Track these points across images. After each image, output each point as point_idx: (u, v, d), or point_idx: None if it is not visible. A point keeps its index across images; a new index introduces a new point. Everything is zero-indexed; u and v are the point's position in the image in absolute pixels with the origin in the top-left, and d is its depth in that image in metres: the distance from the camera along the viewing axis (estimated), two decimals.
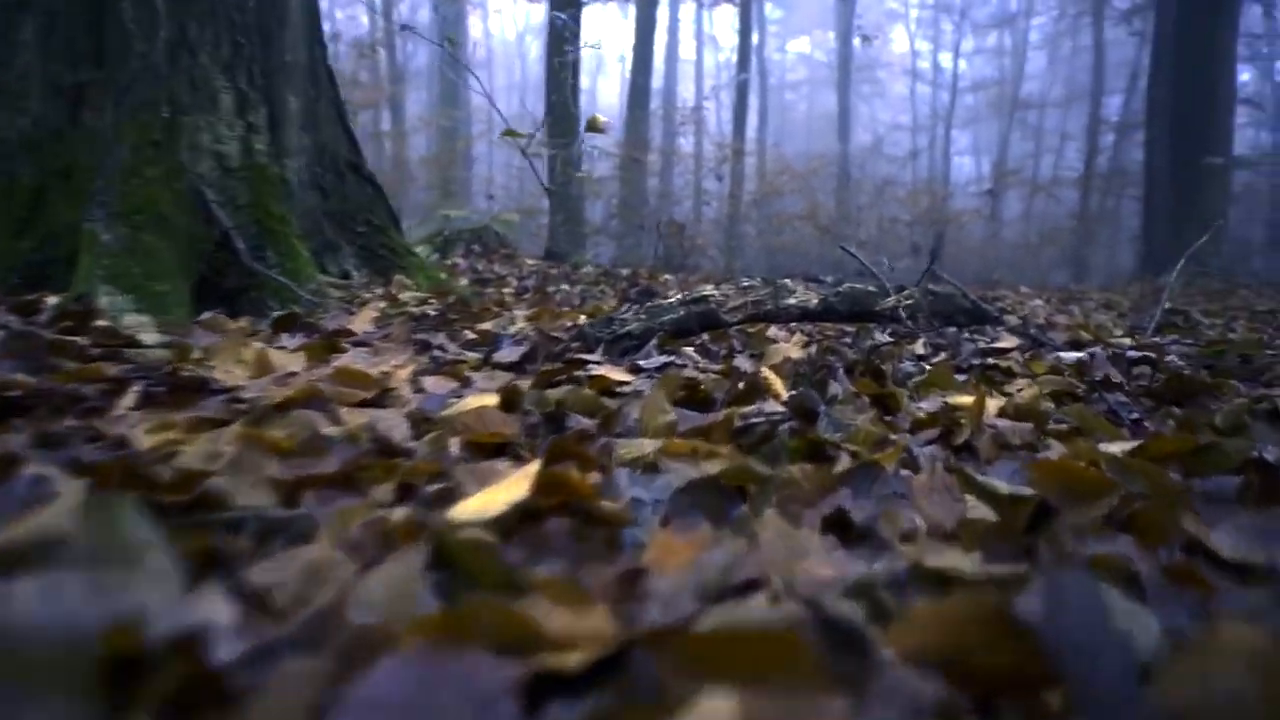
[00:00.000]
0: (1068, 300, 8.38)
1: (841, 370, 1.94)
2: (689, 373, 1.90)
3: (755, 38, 28.49)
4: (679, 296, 2.27)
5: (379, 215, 3.14)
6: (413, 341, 2.19)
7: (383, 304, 2.48)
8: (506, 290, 6.44)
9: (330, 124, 2.99)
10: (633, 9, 19.69)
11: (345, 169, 2.99)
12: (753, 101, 29.55)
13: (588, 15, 36.61)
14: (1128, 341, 3.03)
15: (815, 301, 2.50)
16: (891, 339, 2.73)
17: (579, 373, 1.69)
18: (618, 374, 1.71)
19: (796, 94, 39.13)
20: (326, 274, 2.83)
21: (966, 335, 2.89)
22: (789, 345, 2.15)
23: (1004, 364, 2.15)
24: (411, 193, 19.53)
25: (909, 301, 2.78)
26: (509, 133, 3.31)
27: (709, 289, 2.32)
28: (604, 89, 34.10)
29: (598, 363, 1.88)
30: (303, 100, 2.90)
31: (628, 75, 19.86)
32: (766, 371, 1.69)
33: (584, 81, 37.24)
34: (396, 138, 18.43)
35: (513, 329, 2.19)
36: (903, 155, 25.48)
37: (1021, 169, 25.81)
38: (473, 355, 1.99)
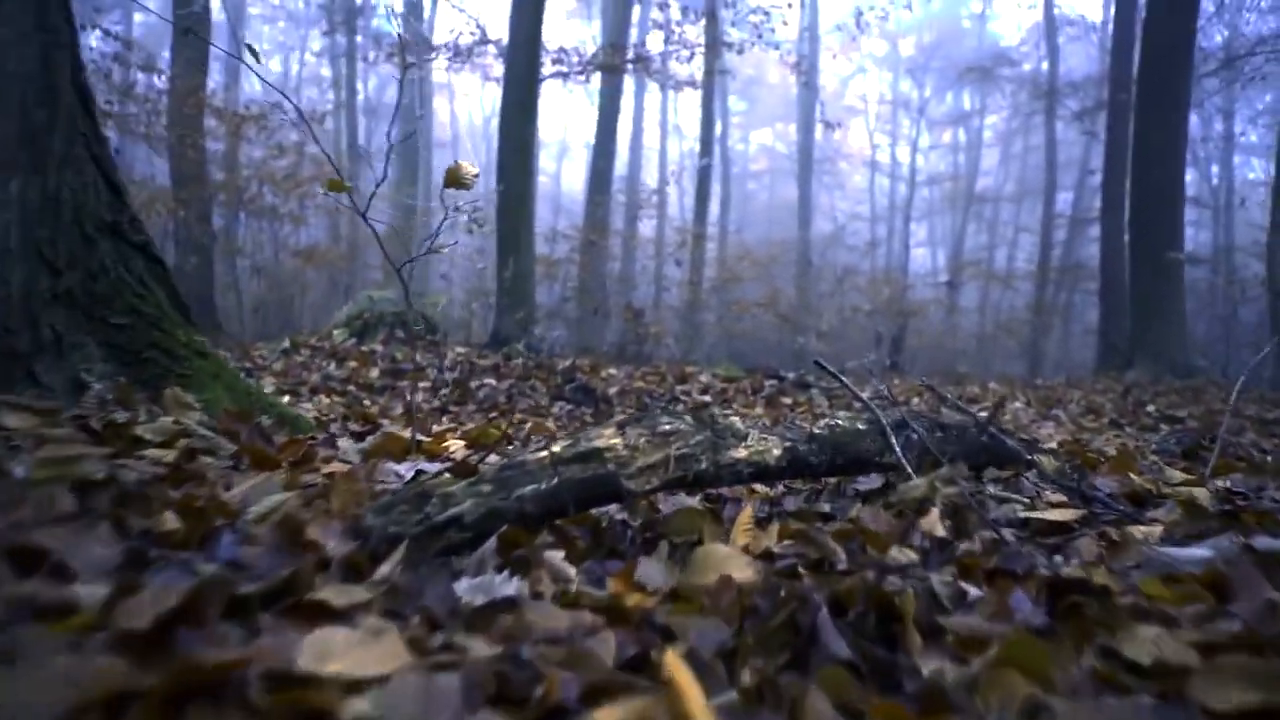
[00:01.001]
0: (1047, 401, 7.57)
1: (826, 616, 1.01)
2: (538, 618, 0.97)
3: (719, 127, 28.30)
4: (558, 447, 1.33)
5: (152, 300, 2.16)
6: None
7: (71, 449, 1.48)
8: (422, 384, 5.49)
9: (78, 168, 2.04)
10: (597, 95, 19.24)
11: (98, 232, 2.03)
12: (715, 189, 29.23)
13: (556, 101, 36.41)
14: (1199, 492, 2.13)
15: (777, 453, 1.58)
16: (887, 497, 1.82)
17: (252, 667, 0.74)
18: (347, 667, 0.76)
19: (759, 183, 39.06)
20: (38, 385, 1.87)
21: (991, 488, 1.98)
22: (731, 553, 1.21)
23: (1089, 577, 1.23)
24: (365, 272, 18.66)
25: (910, 436, 1.87)
26: (334, 184, 2.38)
27: (607, 435, 1.38)
28: (568, 173, 33.72)
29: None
30: (20, 126, 1.97)
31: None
32: (670, 661, 0.77)
33: (549, 165, 36.99)
34: (350, 215, 17.55)
35: (256, 509, 1.22)
36: (862, 245, 25.11)
37: (979, 261, 25.52)
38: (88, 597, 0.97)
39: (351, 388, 5.33)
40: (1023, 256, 29.03)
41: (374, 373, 5.65)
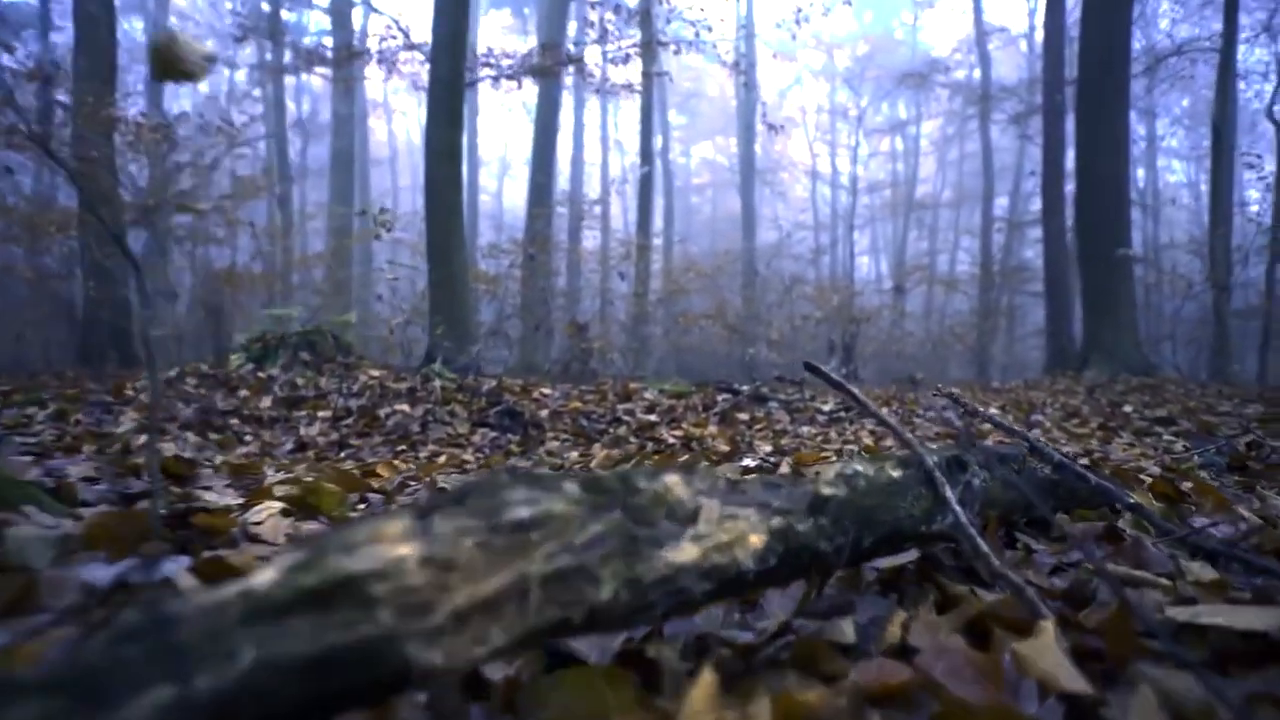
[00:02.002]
0: (1021, 406, 6.90)
1: None
2: None
3: (659, 141, 27.68)
4: (272, 572, 0.51)
5: None
6: None
7: None
8: (321, 413, 4.63)
9: None
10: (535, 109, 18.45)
11: None
12: (658, 203, 28.60)
13: (495, 120, 35.54)
14: None
15: (757, 543, 0.79)
16: (942, 588, 1.06)
17: None
18: None
19: (702, 197, 38.53)
20: None
21: (1098, 551, 1.22)
22: None
23: None
24: (299, 296, 17.58)
25: (981, 483, 1.11)
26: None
27: (388, 539, 0.57)
28: (510, 190, 32.84)
29: None
30: None
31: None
32: None
33: (490, 184, 36.11)
34: (279, 234, 16.51)
35: None
36: (808, 254, 24.61)
37: (923, 266, 25.17)
38: None
39: (235, 421, 4.45)
40: (964, 261, 28.84)
41: (266, 402, 4.77)
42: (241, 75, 27.80)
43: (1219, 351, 13.00)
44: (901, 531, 0.99)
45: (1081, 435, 4.59)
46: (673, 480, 0.76)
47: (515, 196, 31.92)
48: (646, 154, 17.65)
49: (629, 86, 14.51)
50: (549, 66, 12.45)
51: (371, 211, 6.20)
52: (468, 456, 4.05)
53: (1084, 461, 2.63)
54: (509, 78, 12.36)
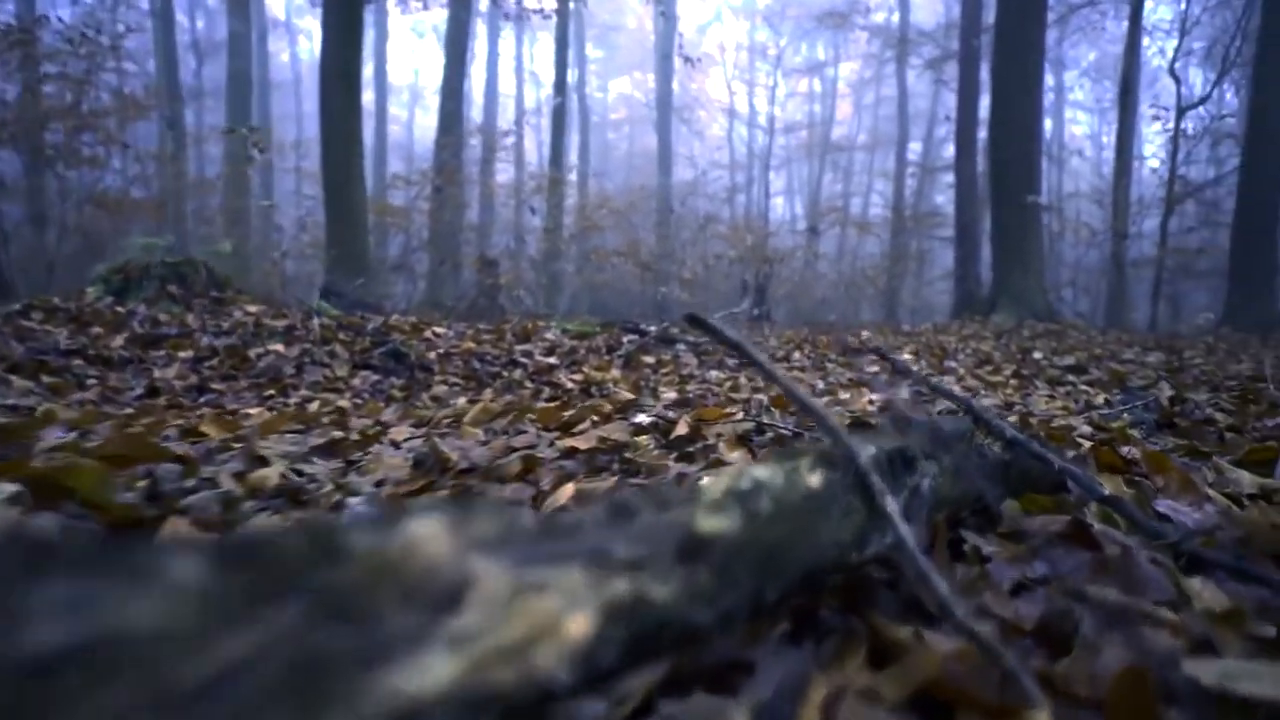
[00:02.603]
0: (934, 352, 6.75)
1: None
2: None
3: (574, 74, 26.78)
4: None
5: None
6: None
7: None
8: (182, 353, 4.14)
9: None
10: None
11: None
12: (574, 138, 27.82)
13: (405, 45, 33.92)
14: None
15: (578, 640, 0.46)
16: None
17: None
18: None
19: (618, 133, 37.71)
20: None
21: (1071, 564, 0.92)
22: None
23: None
24: (191, 225, 16.48)
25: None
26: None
27: None
28: (421, 121, 31.49)
29: None
30: None
31: None
32: None
33: (401, 113, 34.63)
34: (168, 158, 15.35)
35: None
36: (723, 193, 24.30)
37: (837, 208, 25.12)
38: None
39: (78, 362, 3.92)
40: (877, 205, 28.97)
41: (118, 340, 4.24)
42: None
43: (1117, 299, 13.26)
44: (822, 567, 0.66)
45: (996, 384, 4.42)
46: (424, 531, 0.41)
47: (427, 127, 30.66)
48: (560, 84, 16.95)
49: (541, 12, 13.78)
50: None
51: (241, 131, 5.59)
52: (344, 402, 3.64)
53: (1012, 420, 2.38)
54: None
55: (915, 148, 27.49)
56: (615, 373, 4.53)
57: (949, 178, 25.51)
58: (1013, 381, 4.54)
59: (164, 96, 16.95)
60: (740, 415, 2.22)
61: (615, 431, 1.98)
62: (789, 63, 30.29)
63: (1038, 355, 6.56)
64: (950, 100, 24.30)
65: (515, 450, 1.84)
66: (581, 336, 5.35)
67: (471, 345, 4.68)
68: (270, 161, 20.15)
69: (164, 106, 16.55)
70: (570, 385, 4.04)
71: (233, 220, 16.72)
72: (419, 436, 2.09)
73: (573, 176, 23.94)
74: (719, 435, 1.95)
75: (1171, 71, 15.77)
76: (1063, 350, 7.15)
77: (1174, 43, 18.18)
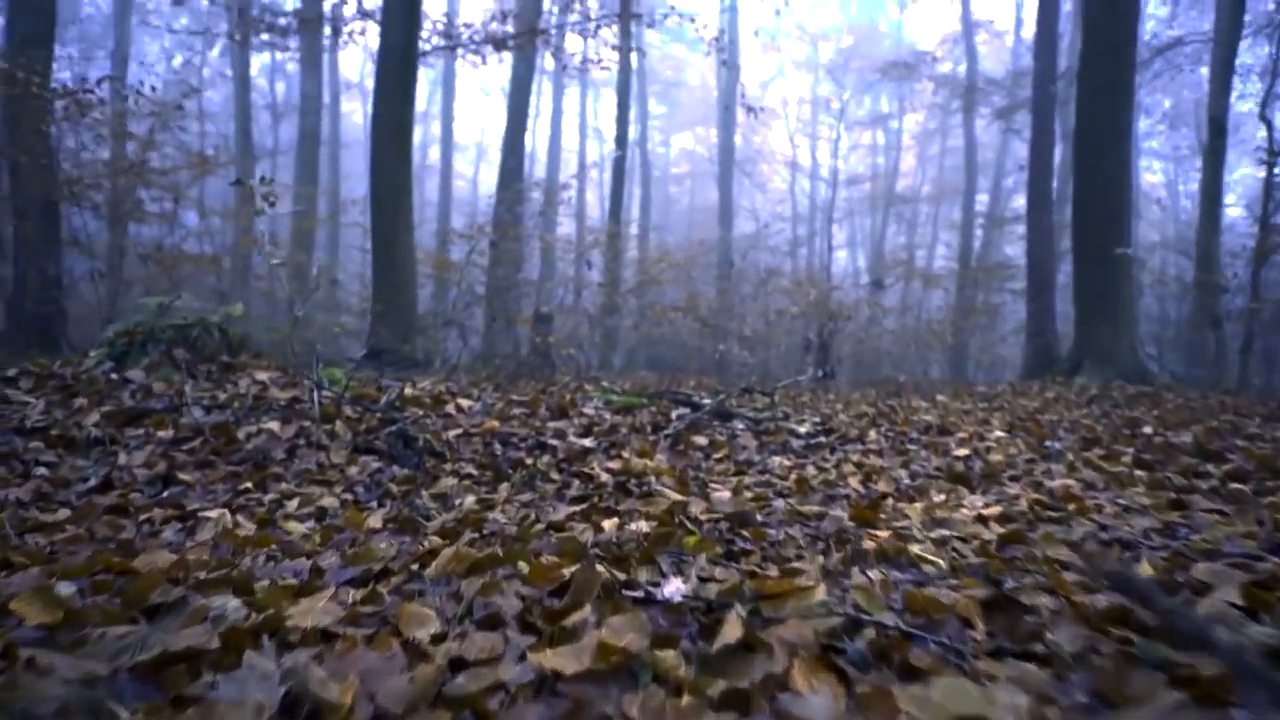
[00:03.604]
0: (1030, 429, 5.83)
1: None
2: None
3: (637, 130, 26.47)
4: None
5: None
6: None
7: None
8: (161, 433, 3.53)
9: None
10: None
11: None
12: (635, 192, 27.46)
13: (470, 102, 34.13)
14: None
15: None
16: None
17: None
18: None
19: (680, 187, 37.28)
20: None
21: None
22: None
23: None
24: (253, 278, 16.34)
25: None
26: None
27: None
28: (486, 177, 31.49)
29: None
30: None
31: None
32: None
33: (466, 169, 34.80)
34: (233, 215, 15.24)
35: None
36: (784, 245, 23.54)
37: (904, 260, 24.10)
38: None
39: (36, 444, 3.33)
40: (942, 257, 27.88)
41: (93, 417, 3.65)
42: (215, 55, 26.33)
43: (1217, 358, 12.07)
44: None
45: (1117, 478, 3.53)
46: None
47: (491, 183, 30.68)
48: (621, 137, 16.47)
49: (600, 63, 13.31)
50: (513, 36, 11.22)
51: (248, 184, 5.08)
52: (330, 499, 2.96)
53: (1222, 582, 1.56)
54: (471, 48, 11.13)
55: (982, 199, 26.43)
56: (660, 458, 3.79)
57: (1018, 229, 24.37)
58: (1139, 474, 3.66)
59: (240, 154, 16.98)
60: (820, 591, 1.45)
61: (627, 632, 1.24)
62: (852, 115, 29.58)
63: (1148, 429, 5.61)
64: (1019, 150, 23.30)
65: (455, 677, 1.11)
66: (625, 410, 4.61)
67: (495, 424, 3.98)
68: (337, 218, 20.10)
69: (237, 164, 16.54)
70: (604, 478, 3.31)
71: (296, 274, 16.52)
72: (339, 617, 1.38)
73: (633, 230, 23.47)
74: (788, 646, 1.19)
75: (1262, 115, 14.63)
76: (1173, 423, 6.17)
77: (1256, 86, 17.05)
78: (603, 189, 26.42)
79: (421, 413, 4.10)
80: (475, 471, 3.41)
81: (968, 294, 20.82)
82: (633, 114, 22.41)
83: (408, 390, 4.57)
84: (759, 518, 2.56)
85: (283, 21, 11.62)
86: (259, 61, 27.21)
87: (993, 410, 7.09)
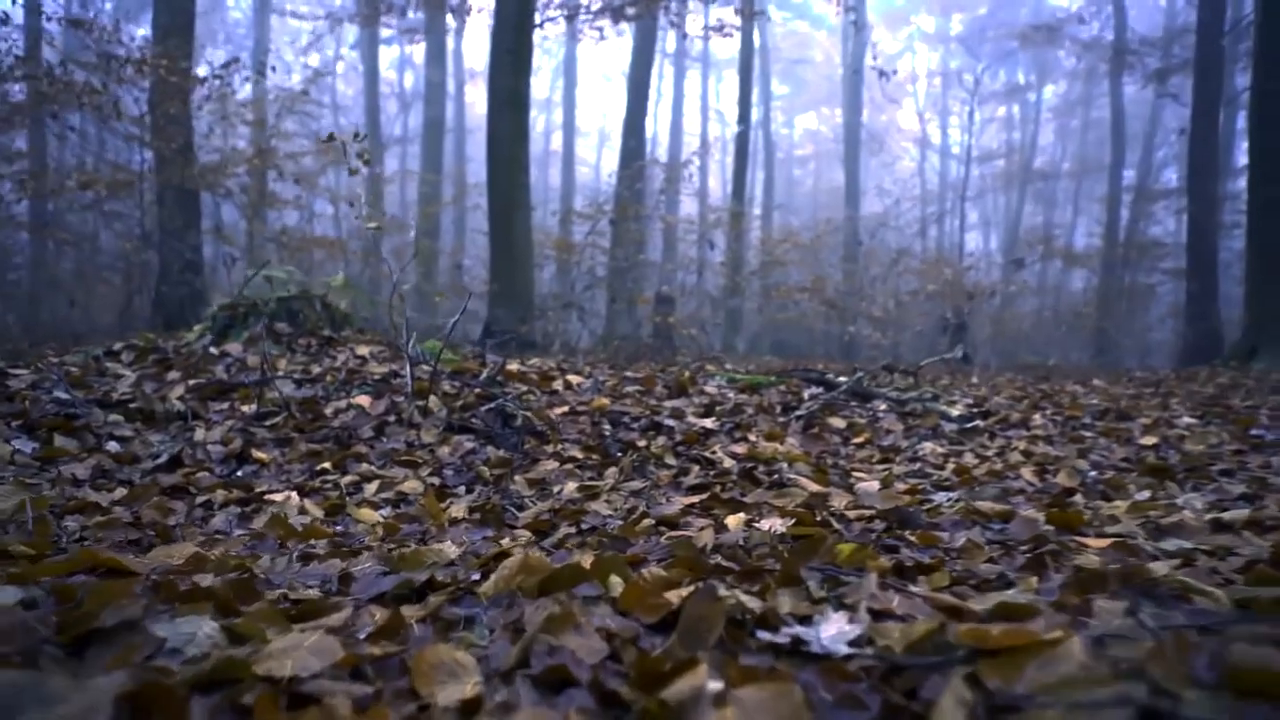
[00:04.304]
0: (1238, 435, 4.94)
1: None
2: None
3: (759, 111, 25.64)
4: None
5: None
6: None
7: None
8: (246, 407, 3.22)
9: None
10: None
11: None
12: (758, 174, 26.62)
13: (592, 89, 34.01)
14: None
15: None
16: None
17: None
18: None
19: (804, 169, 36.10)
20: None
21: None
22: None
23: None
24: (374, 263, 16.54)
25: None
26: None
27: None
28: (608, 162, 31.27)
29: None
30: None
31: None
32: None
33: (589, 155, 34.72)
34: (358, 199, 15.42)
35: None
36: (914, 224, 22.28)
37: (1046, 239, 22.38)
38: None
39: (116, 417, 3.06)
40: (1081, 235, 25.90)
41: (178, 391, 3.38)
42: (347, 50, 27.03)
43: None
44: None
45: None
46: None
47: (613, 167, 30.46)
48: (744, 112, 15.78)
49: (724, 29, 12.64)
50: (631, 2, 10.69)
51: (341, 138, 4.78)
52: (414, 483, 2.56)
53: None
54: (586, 20, 10.71)
55: (1129, 174, 24.31)
56: (792, 442, 3.23)
57: (1170, 205, 22.27)
58: None
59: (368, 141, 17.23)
60: (1076, 648, 0.88)
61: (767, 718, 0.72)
62: (986, 88, 27.78)
63: None
64: (1171, 119, 21.25)
65: None
66: (750, 389, 4.07)
67: (605, 402, 3.51)
68: (462, 203, 20.20)
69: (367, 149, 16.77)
70: (728, 464, 2.79)
71: (424, 257, 16.63)
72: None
73: (756, 210, 22.72)
74: None
75: None
76: None
77: None
78: (725, 171, 25.72)
79: (526, 389, 3.68)
80: (580, 454, 2.95)
81: (1115, 275, 19.12)
82: (755, 94, 21.64)
83: (513, 366, 4.17)
84: (924, 517, 1.99)
85: (401, 4, 11.52)
86: (389, 55, 27.83)
87: (1154, 397, 6.15)
